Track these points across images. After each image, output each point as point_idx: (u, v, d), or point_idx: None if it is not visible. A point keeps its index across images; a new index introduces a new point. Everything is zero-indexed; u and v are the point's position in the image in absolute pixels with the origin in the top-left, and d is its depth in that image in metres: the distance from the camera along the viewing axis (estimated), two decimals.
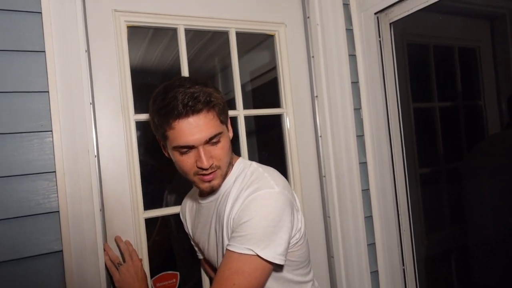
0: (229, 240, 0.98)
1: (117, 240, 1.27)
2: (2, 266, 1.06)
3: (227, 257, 0.94)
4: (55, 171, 1.14)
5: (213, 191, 1.08)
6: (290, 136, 1.66)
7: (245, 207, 0.95)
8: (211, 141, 0.98)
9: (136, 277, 1.17)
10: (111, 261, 1.21)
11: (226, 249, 0.96)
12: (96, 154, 1.30)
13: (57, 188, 1.14)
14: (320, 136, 1.67)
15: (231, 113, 1.54)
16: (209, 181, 1.02)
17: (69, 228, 1.15)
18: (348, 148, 1.60)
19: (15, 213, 1.09)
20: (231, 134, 1.09)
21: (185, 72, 1.47)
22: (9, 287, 1.06)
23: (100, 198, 1.29)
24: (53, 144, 1.15)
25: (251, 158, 1.62)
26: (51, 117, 1.15)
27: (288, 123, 1.66)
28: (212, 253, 1.15)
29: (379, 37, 1.63)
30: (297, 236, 1.05)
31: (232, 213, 0.99)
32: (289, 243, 0.98)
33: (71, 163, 1.17)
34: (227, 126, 1.07)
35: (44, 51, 1.15)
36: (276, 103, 1.69)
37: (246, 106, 1.60)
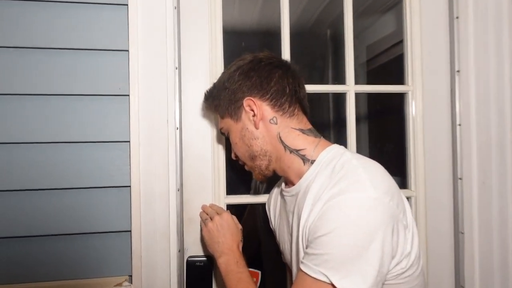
0: (304, 253, 0.75)
1: (202, 208, 1.09)
2: (67, 239, 0.98)
3: (298, 278, 0.73)
4: (129, 141, 1.02)
5: (265, 181, 0.99)
6: (415, 122, 1.27)
7: (323, 215, 0.71)
8: (223, 134, 0.97)
9: (222, 231, 0.95)
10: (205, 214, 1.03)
11: (299, 267, 0.74)
12: (178, 126, 1.15)
13: (130, 161, 1.01)
14: (459, 125, 1.24)
15: (338, 88, 1.28)
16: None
17: (140, 207, 1.02)
18: (502, 142, 1.15)
19: (85, 183, 0.99)
20: (257, 122, 0.85)
21: (285, 37, 1.21)
22: (70, 262, 0.97)
23: (180, 176, 1.14)
24: (129, 111, 1.02)
25: (360, 149, 1.31)
26: (129, 80, 1.02)
27: (413, 106, 1.28)
28: (289, 261, 0.91)
29: None
30: (403, 263, 0.74)
31: (309, 219, 0.75)
32: (385, 273, 0.70)
33: (147, 134, 1.03)
34: (234, 119, 0.89)
35: (127, 4, 1.02)
36: (399, 80, 1.32)
37: (358, 82, 1.27)
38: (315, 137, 0.86)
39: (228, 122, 0.90)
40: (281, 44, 1.21)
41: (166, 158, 1.05)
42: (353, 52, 1.26)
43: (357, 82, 1.26)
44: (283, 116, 0.85)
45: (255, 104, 0.84)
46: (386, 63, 1.57)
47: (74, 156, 0.99)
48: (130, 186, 1.01)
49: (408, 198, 1.26)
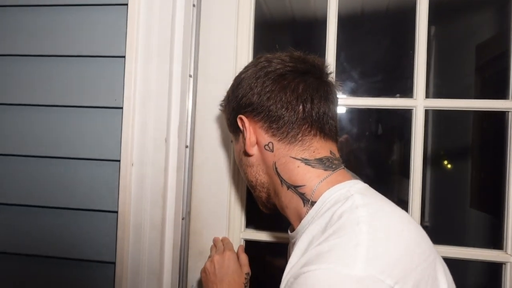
0: None
1: (214, 241, 0.95)
2: (48, 261, 0.89)
3: None
4: (119, 160, 0.89)
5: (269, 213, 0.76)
6: None
7: None
8: None
9: (220, 275, 0.79)
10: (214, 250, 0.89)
11: None
12: (189, 144, 0.99)
13: (118, 183, 0.89)
14: None
15: (404, 103, 0.97)
16: None
17: (127, 239, 0.89)
18: None
19: (66, 203, 0.89)
20: (247, 147, 0.68)
21: (330, 32, 0.97)
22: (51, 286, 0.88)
23: (186, 203, 0.98)
24: (121, 125, 0.89)
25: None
26: (123, 91, 0.89)
27: None
28: None
29: None
30: None
31: (283, 282, 0.53)
32: None
33: (140, 153, 0.89)
34: (234, 138, 0.74)
35: (127, 4, 0.88)
36: (496, 93, 0.98)
37: (431, 94, 0.96)
38: (326, 170, 0.63)
39: (233, 139, 0.77)
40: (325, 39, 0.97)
41: (162, 181, 0.90)
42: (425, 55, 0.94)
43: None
44: (282, 142, 0.65)
45: (245, 125, 0.67)
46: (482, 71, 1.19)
47: (59, 172, 0.89)
48: (117, 212, 0.88)
49: (501, 265, 0.92)
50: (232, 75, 0.89)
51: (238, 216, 1.01)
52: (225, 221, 0.99)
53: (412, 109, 0.95)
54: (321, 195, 0.60)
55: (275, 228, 1.00)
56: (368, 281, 0.42)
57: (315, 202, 0.61)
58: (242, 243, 1.01)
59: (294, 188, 0.64)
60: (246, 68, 0.71)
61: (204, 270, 0.83)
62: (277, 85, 0.64)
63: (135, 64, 0.89)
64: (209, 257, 0.87)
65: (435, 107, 0.96)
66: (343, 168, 0.65)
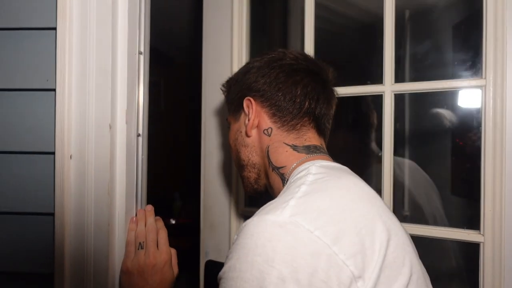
0: None
1: (138, 212, 0.82)
2: None
3: None
4: (54, 153, 0.74)
5: (257, 196, 0.80)
6: (495, 138, 0.84)
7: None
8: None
9: (153, 275, 0.71)
10: (135, 236, 0.77)
11: None
12: (141, 131, 0.86)
13: (54, 179, 0.74)
14: None
15: (371, 89, 1.01)
16: None
17: (67, 244, 0.74)
18: None
19: None
20: (248, 128, 0.72)
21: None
22: None
23: (142, 199, 0.85)
24: (54, 110, 0.74)
25: None
26: (55, 69, 0.74)
27: (490, 108, 0.85)
28: None
29: None
30: None
31: None
32: None
33: (79, 143, 0.75)
34: (234, 117, 0.77)
35: None
36: (465, 70, 0.90)
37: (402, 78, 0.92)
38: (307, 154, 0.68)
39: (230, 118, 0.79)
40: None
41: (107, 175, 0.76)
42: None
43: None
44: (281, 129, 0.70)
45: (252, 107, 0.71)
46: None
47: None
48: (53, 214, 0.74)
49: (474, 245, 0.85)
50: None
51: (241, 195, 1.15)
52: (229, 199, 1.15)
53: (381, 94, 0.96)
54: (292, 173, 0.65)
55: None
56: (290, 225, 0.47)
57: (288, 179, 0.66)
58: (243, 218, 1.14)
59: (277, 169, 0.69)
60: (261, 56, 0.74)
61: (127, 270, 0.72)
62: (290, 79, 0.69)
63: (69, 37, 0.74)
64: (140, 245, 0.75)
65: (409, 90, 0.99)
66: (326, 154, 0.69)
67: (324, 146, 0.72)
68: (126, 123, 0.80)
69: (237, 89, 0.75)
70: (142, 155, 0.86)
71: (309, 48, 1.04)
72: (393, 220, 0.57)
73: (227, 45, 1.14)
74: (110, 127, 0.76)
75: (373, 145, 1.15)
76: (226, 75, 0.87)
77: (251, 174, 0.74)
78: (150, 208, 0.82)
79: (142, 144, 0.86)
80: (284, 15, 1.35)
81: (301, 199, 0.51)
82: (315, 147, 0.69)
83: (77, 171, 0.75)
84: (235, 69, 1.05)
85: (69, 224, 0.74)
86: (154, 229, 0.78)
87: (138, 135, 0.85)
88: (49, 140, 0.74)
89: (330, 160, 0.68)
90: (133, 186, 0.83)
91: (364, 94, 1.03)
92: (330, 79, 0.74)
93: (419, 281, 0.53)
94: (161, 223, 0.80)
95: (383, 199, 0.82)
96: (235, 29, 1.11)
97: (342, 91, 0.97)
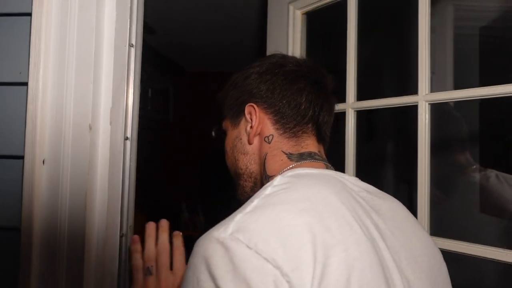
0: None
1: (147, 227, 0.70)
2: None
3: None
4: (23, 157, 0.63)
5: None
6: None
7: None
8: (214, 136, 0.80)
9: None
10: (143, 260, 0.67)
11: None
12: (129, 135, 0.75)
13: (22, 188, 0.63)
14: None
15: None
16: None
17: (35, 266, 0.62)
18: None
19: None
20: (251, 135, 0.68)
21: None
22: None
23: (129, 213, 0.74)
24: (26, 106, 0.64)
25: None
26: (29, 59, 0.64)
27: None
28: None
29: None
30: None
31: None
32: None
33: (54, 146, 0.64)
34: (233, 123, 0.72)
35: None
36: None
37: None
38: (298, 161, 0.66)
39: (227, 124, 0.74)
40: None
41: (85, 184, 0.64)
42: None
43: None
44: (282, 136, 0.68)
45: (256, 114, 0.68)
46: None
47: None
48: (19, 229, 0.62)
49: None
50: None
51: None
52: None
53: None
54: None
55: None
56: (230, 242, 0.45)
57: None
58: None
59: (268, 178, 0.66)
60: (262, 61, 0.72)
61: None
62: (294, 86, 0.67)
63: (46, 23, 0.64)
64: (148, 270, 0.65)
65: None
66: (318, 161, 0.66)
67: (322, 152, 0.70)
68: (111, 124, 0.69)
69: (236, 95, 0.71)
70: (130, 161, 0.75)
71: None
72: (355, 235, 0.50)
73: None
74: (91, 128, 0.66)
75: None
76: None
77: (247, 184, 0.71)
78: (164, 223, 0.71)
79: (130, 149, 0.75)
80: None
81: (247, 214, 0.49)
82: (310, 154, 0.67)
83: (50, 179, 0.64)
84: None
85: (38, 242, 0.63)
86: (167, 249, 0.67)
87: (126, 138, 0.74)
88: (18, 142, 0.63)
89: (319, 167, 0.64)
90: (118, 198, 0.71)
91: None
92: (331, 87, 0.72)
93: None
94: (179, 241, 0.69)
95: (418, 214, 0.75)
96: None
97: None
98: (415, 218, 0.63)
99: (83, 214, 0.64)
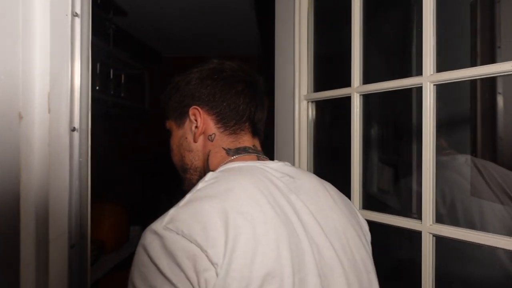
0: None
1: None
2: None
3: None
4: None
5: None
6: None
7: None
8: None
9: None
10: None
11: None
12: (77, 125, 0.61)
13: None
14: None
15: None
16: None
17: None
18: None
19: None
20: (197, 135, 0.76)
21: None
22: None
23: (79, 220, 0.61)
24: None
25: None
26: None
27: None
28: None
29: None
30: None
31: None
32: None
33: None
34: (177, 124, 0.80)
35: None
36: None
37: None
38: (234, 155, 0.75)
39: (171, 125, 0.82)
40: None
41: (15, 187, 0.51)
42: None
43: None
44: (223, 133, 0.76)
45: (200, 116, 0.76)
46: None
47: None
48: None
49: None
50: None
51: None
52: None
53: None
54: None
55: None
56: (163, 231, 0.55)
57: None
58: None
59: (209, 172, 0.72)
60: (201, 66, 0.79)
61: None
62: (233, 90, 0.75)
63: None
64: None
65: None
66: (252, 154, 0.75)
67: (257, 145, 0.79)
68: (50, 112, 0.55)
69: (179, 98, 0.79)
70: (80, 157, 0.62)
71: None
72: (264, 215, 0.59)
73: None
74: (21, 117, 0.52)
75: None
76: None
77: (193, 177, 0.79)
78: None
79: (80, 143, 0.62)
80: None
81: (180, 208, 0.58)
82: (245, 148, 0.76)
83: None
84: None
85: None
86: None
87: (73, 129, 0.61)
88: None
89: (251, 159, 0.73)
90: (64, 203, 0.58)
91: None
92: (263, 87, 0.81)
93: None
94: None
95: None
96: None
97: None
98: (336, 193, 0.73)
99: (15, 228, 0.51)
